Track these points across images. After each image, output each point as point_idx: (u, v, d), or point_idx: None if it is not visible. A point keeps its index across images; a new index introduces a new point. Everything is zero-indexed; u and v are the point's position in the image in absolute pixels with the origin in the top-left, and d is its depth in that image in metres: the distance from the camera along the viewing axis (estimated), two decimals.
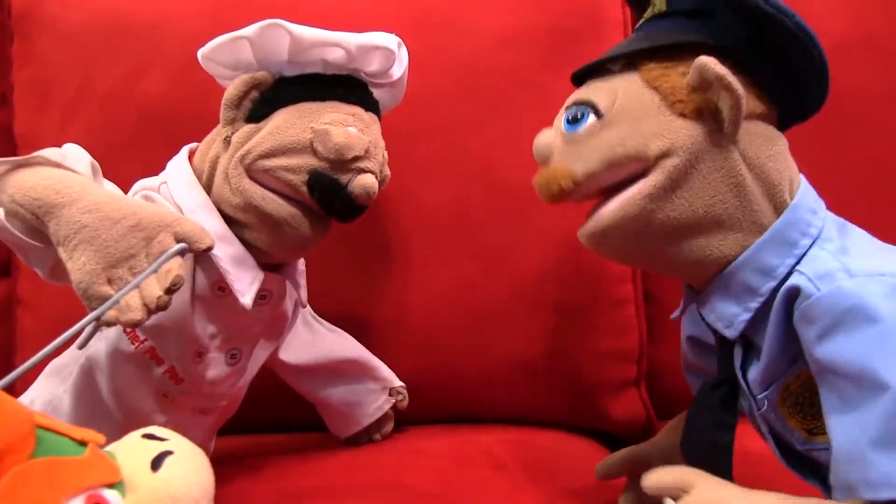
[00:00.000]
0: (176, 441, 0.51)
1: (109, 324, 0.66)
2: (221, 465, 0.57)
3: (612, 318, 1.10)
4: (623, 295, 1.10)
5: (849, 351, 0.60)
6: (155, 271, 0.68)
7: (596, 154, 0.70)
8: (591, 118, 0.71)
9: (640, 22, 0.77)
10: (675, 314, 0.80)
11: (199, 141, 0.90)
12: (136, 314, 0.66)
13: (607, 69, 0.75)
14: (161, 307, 0.68)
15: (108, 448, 0.51)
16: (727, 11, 0.69)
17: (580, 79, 0.78)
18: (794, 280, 0.65)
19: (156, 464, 0.49)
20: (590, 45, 1.07)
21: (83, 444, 0.48)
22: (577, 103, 0.73)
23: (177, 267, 0.69)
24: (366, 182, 0.82)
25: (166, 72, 1.06)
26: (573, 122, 0.72)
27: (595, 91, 0.73)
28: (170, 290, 0.68)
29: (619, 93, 0.71)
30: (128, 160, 1.01)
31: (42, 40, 1.08)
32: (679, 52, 0.70)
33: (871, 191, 1.12)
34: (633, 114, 0.70)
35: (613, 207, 0.70)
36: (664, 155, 0.68)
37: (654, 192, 0.68)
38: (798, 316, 0.64)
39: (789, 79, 0.71)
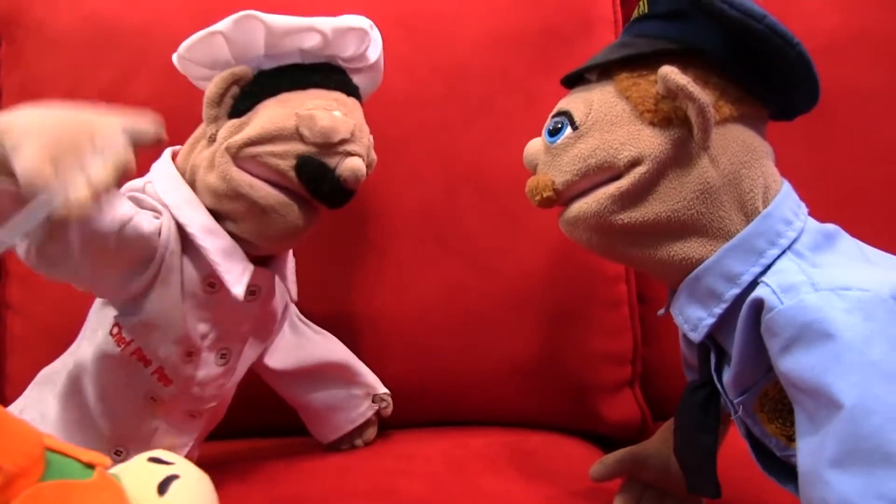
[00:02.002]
0: (182, 465, 0.51)
1: (58, 212, 0.61)
2: (211, 470, 0.56)
3: (606, 319, 1.10)
4: (617, 296, 1.11)
5: (806, 366, 0.60)
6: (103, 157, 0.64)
7: (570, 165, 0.73)
8: (568, 129, 0.74)
9: (629, 23, 0.78)
10: (661, 311, 0.81)
11: None
12: (81, 192, 0.62)
13: (587, 78, 0.77)
14: (107, 186, 0.64)
15: (115, 471, 0.51)
16: (698, 15, 0.70)
17: (571, 82, 0.79)
18: (758, 292, 0.66)
19: (162, 488, 0.49)
20: (580, 45, 1.08)
21: (91, 466, 0.48)
22: (558, 114, 0.76)
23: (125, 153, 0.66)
24: (354, 165, 0.82)
25: (153, 76, 1.05)
26: (553, 133, 0.75)
27: (573, 101, 0.75)
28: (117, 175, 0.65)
29: (594, 104, 0.73)
30: None
31: (29, 44, 1.08)
32: (653, 60, 0.71)
33: (866, 187, 1.13)
34: (605, 124, 0.72)
35: (580, 203, 0.73)
36: (633, 163, 0.70)
37: (619, 194, 0.70)
38: (763, 328, 0.64)
39: (772, 78, 0.72)
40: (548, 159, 0.75)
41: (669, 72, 0.67)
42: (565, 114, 0.75)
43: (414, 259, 1.09)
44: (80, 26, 1.07)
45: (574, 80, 0.79)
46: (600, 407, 1.10)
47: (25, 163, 0.63)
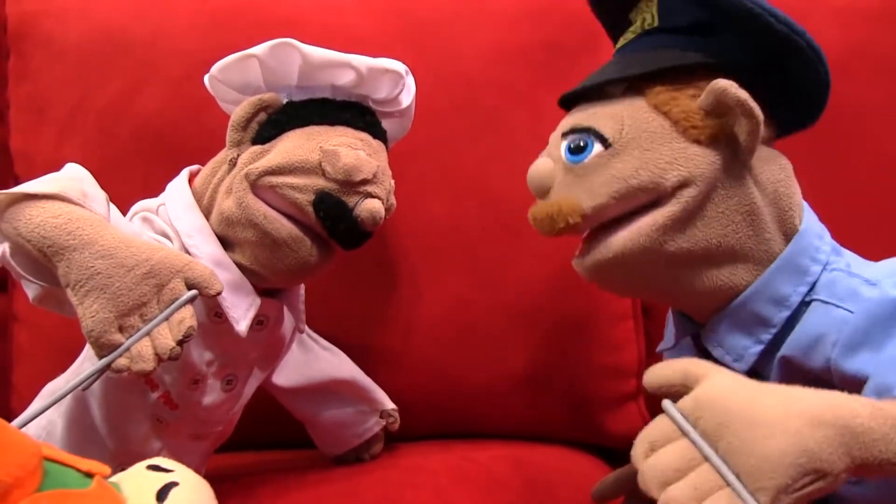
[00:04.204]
0: (181, 472, 0.51)
1: (119, 371, 0.67)
2: (217, 484, 0.55)
3: (611, 332, 1.10)
4: (621, 309, 1.10)
5: None
6: (166, 318, 0.69)
7: (606, 186, 0.67)
8: (597, 147, 0.68)
9: (628, 39, 0.75)
10: (666, 347, 0.79)
11: (195, 157, 0.90)
12: (148, 364, 0.67)
13: (606, 92, 0.72)
14: (173, 358, 0.69)
15: (114, 479, 0.50)
16: (731, 28, 0.68)
17: (569, 101, 0.75)
18: (816, 314, 0.64)
19: (161, 495, 0.49)
20: (585, 60, 1.07)
21: (89, 475, 0.48)
22: (578, 130, 0.70)
23: (189, 317, 0.70)
24: (373, 207, 0.81)
25: (162, 88, 1.06)
26: (576, 151, 0.69)
27: (596, 117, 0.70)
28: (182, 342, 0.69)
29: (626, 119, 0.68)
30: (124, 176, 1.02)
31: (38, 57, 1.08)
32: (682, 73, 0.68)
33: (869, 200, 1.12)
34: (644, 141, 0.67)
35: (624, 238, 0.68)
36: (682, 185, 0.66)
37: (669, 223, 0.66)
38: (844, 344, 0.61)
39: (792, 94, 0.70)
40: (571, 180, 0.69)
41: (728, 85, 0.64)
42: (589, 130, 0.69)
43: (419, 273, 1.09)
44: (88, 39, 1.07)
45: (572, 100, 0.75)
46: (605, 420, 1.10)
47: (92, 322, 0.66)
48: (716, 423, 0.51)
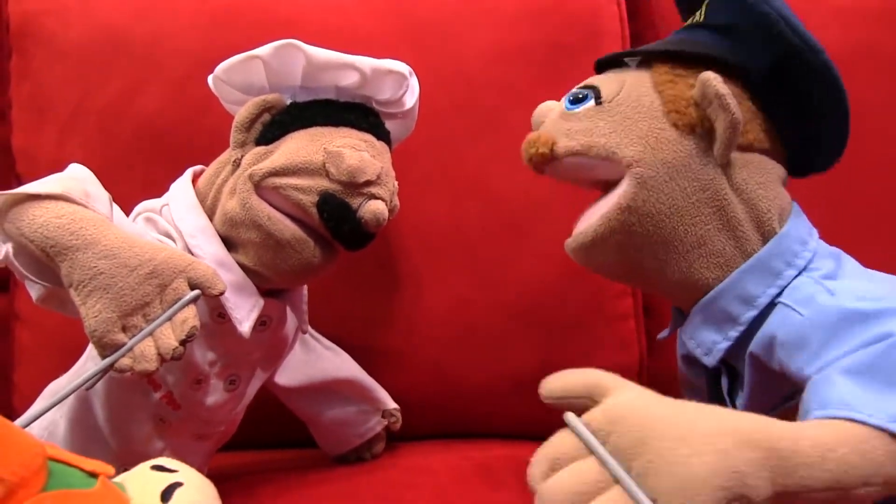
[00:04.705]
0: (185, 472, 0.51)
1: (122, 371, 0.67)
2: (219, 483, 0.56)
3: (612, 332, 1.10)
4: (623, 309, 1.10)
5: (859, 345, 0.55)
6: (169, 318, 0.69)
7: (581, 135, 0.71)
8: (591, 102, 0.73)
9: (681, 28, 0.78)
10: (663, 335, 0.80)
11: (196, 157, 0.90)
12: (151, 364, 0.67)
13: (628, 63, 0.76)
14: (176, 358, 0.69)
15: (118, 479, 0.51)
16: (751, 32, 0.69)
17: (602, 67, 0.79)
18: (774, 319, 0.64)
19: (165, 496, 0.49)
20: (587, 59, 1.06)
21: (94, 475, 0.48)
22: (585, 86, 0.75)
23: (192, 317, 0.70)
24: (376, 208, 0.81)
25: (163, 88, 1.06)
26: (575, 101, 0.74)
27: (605, 79, 0.74)
28: (185, 341, 0.69)
29: (626, 86, 0.72)
30: (125, 176, 1.02)
31: (39, 56, 1.08)
32: (697, 64, 0.70)
33: (869, 201, 1.13)
34: (629, 111, 0.71)
35: (594, 222, 0.71)
36: (636, 162, 0.68)
37: (631, 202, 0.68)
38: (789, 346, 0.61)
39: (805, 118, 0.71)
40: (559, 122, 0.74)
41: (711, 77, 0.66)
42: (593, 87, 0.73)
43: (420, 273, 1.09)
44: (89, 38, 1.07)
45: (607, 65, 0.79)
46: None
47: (95, 322, 0.66)
48: (633, 438, 0.46)
